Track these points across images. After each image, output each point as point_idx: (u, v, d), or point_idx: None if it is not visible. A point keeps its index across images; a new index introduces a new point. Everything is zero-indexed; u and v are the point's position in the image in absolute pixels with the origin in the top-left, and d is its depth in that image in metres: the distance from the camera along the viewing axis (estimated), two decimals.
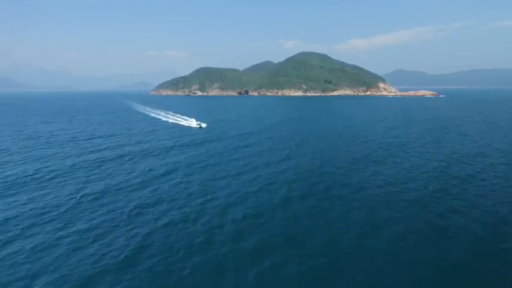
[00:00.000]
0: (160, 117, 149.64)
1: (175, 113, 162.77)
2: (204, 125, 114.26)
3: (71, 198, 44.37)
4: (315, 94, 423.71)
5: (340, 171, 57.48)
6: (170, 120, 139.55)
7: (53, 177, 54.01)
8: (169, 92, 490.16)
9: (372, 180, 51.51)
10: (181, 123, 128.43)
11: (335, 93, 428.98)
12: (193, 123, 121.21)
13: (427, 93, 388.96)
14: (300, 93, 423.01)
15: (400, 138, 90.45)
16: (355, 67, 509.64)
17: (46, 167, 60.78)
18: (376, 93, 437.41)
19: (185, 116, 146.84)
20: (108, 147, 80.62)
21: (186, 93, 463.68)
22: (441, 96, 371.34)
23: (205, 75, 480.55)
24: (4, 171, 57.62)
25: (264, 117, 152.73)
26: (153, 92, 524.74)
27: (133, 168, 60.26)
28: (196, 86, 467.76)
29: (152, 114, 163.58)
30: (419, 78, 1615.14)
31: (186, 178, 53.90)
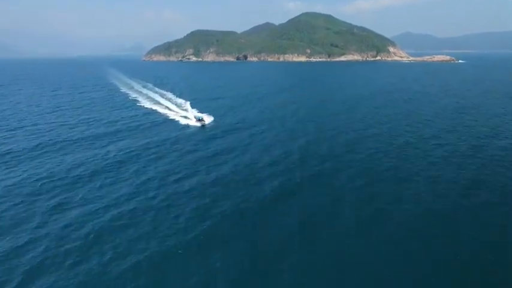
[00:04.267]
0: (139, 99, 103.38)
1: (161, 89, 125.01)
2: (207, 120, 69.75)
3: None
4: (319, 59, 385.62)
5: None
6: (149, 105, 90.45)
7: None
8: (162, 58, 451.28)
9: None
10: (167, 113, 79.71)
11: (342, 58, 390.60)
12: (189, 115, 75.87)
13: (445, 58, 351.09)
14: (303, 59, 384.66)
15: None
16: (363, 29, 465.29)
17: None
18: (386, 59, 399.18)
19: (176, 95, 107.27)
20: None
21: (179, 58, 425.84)
22: (460, 61, 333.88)
23: (200, 39, 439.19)
24: None
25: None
26: (144, 58, 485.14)
27: None
28: (190, 50, 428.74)
29: (128, 91, 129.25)
30: (427, 41, 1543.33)
31: None
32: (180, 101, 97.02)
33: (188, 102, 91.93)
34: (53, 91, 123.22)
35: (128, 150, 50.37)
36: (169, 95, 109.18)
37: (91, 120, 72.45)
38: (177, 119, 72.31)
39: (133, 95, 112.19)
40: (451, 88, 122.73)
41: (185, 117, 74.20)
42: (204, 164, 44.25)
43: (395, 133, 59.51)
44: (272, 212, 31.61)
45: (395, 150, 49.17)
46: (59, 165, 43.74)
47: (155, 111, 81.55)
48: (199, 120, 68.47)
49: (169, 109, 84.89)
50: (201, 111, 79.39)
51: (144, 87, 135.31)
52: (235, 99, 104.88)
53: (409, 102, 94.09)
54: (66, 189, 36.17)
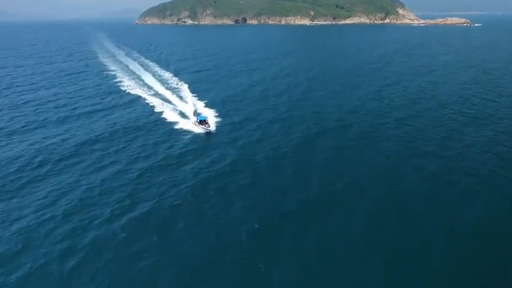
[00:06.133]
0: (117, 73, 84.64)
1: (147, 59, 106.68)
2: (213, 127, 44.38)
3: None
4: (324, 22, 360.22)
5: None
6: (127, 83, 72.25)
7: None
8: (156, 21, 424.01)
9: None
10: (143, 94, 61.42)
11: (348, 21, 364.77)
12: (186, 108, 53.08)
13: (459, 21, 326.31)
14: (307, 22, 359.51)
15: None
16: None
17: None
18: (396, 21, 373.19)
19: (164, 68, 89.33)
20: None
21: (175, 21, 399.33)
22: (476, 25, 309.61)
23: (196, 0, 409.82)
24: None
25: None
26: (137, 21, 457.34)
27: None
28: (185, 13, 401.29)
29: (106, 62, 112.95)
30: (435, 2, 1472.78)
31: None
32: (167, 75, 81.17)
33: (183, 83, 71.18)
34: (17, 62, 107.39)
35: (64, 153, 36.82)
36: (156, 67, 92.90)
37: (41, 102, 58.37)
38: (152, 103, 56.68)
39: (111, 67, 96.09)
40: (474, 58, 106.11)
41: (180, 112, 51.43)
42: (162, 181, 30.82)
43: (421, 125, 45.49)
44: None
45: (430, 162, 35.30)
46: None
47: (128, 92, 66.16)
48: (202, 122, 43.97)
49: (151, 88, 67.87)
50: (194, 89, 64.78)
51: (127, 55, 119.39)
52: (231, 69, 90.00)
53: (428, 75, 78.75)
54: None
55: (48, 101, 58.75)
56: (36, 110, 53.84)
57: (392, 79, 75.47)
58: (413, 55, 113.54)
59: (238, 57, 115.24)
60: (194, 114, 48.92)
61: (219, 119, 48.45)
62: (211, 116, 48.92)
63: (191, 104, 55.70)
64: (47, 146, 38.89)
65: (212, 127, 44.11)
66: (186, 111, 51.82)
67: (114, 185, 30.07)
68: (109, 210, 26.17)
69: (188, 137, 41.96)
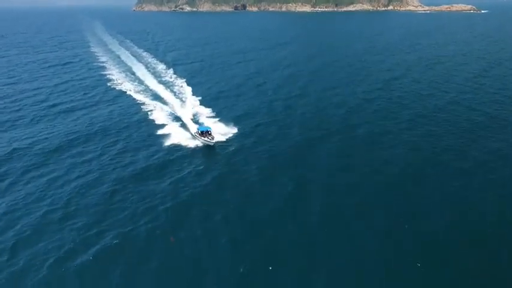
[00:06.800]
0: (106, 64, 79.27)
1: (141, 48, 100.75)
2: (213, 140, 36.00)
3: None
4: (326, 9, 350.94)
5: None
6: (115, 76, 65.89)
7: None
8: (153, 8, 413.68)
9: None
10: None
11: (351, 7, 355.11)
12: (184, 114, 44.66)
13: (465, 7, 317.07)
14: (308, 8, 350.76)
15: None
16: None
17: None
18: (399, 8, 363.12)
19: (158, 59, 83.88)
20: None
21: (172, 8, 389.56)
22: (483, 11, 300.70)
23: None
24: None
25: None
26: (135, 8, 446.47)
27: None
28: None
29: (97, 52, 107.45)
30: None
31: None
32: (161, 66, 75.59)
33: (178, 76, 65.43)
34: (2, 52, 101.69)
35: (31, 162, 32.21)
36: (150, 57, 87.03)
37: (19, 98, 53.61)
38: (140, 100, 51.54)
39: (102, 57, 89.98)
40: (484, 48, 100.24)
41: (171, 112, 45.42)
42: (139, 202, 26.26)
43: (435, 127, 40.75)
44: None
45: (450, 176, 30.80)
46: None
47: (114, 86, 60.63)
48: (204, 133, 36.66)
49: (142, 81, 62.44)
50: (190, 84, 59.16)
51: (121, 44, 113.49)
52: (229, 60, 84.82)
53: (437, 67, 73.39)
54: None
55: (26, 97, 53.93)
56: (11, 107, 49.07)
57: (399, 72, 70.24)
58: (420, 45, 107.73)
59: (237, 46, 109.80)
60: (194, 122, 41.62)
61: (214, 119, 43.46)
62: (212, 123, 41.08)
63: (189, 104, 48.99)
64: (12, 152, 34.31)
65: (216, 139, 36.18)
66: (178, 110, 46.54)
67: (82, 206, 25.57)
68: (70, 244, 21.68)
69: (175, 143, 37.11)
